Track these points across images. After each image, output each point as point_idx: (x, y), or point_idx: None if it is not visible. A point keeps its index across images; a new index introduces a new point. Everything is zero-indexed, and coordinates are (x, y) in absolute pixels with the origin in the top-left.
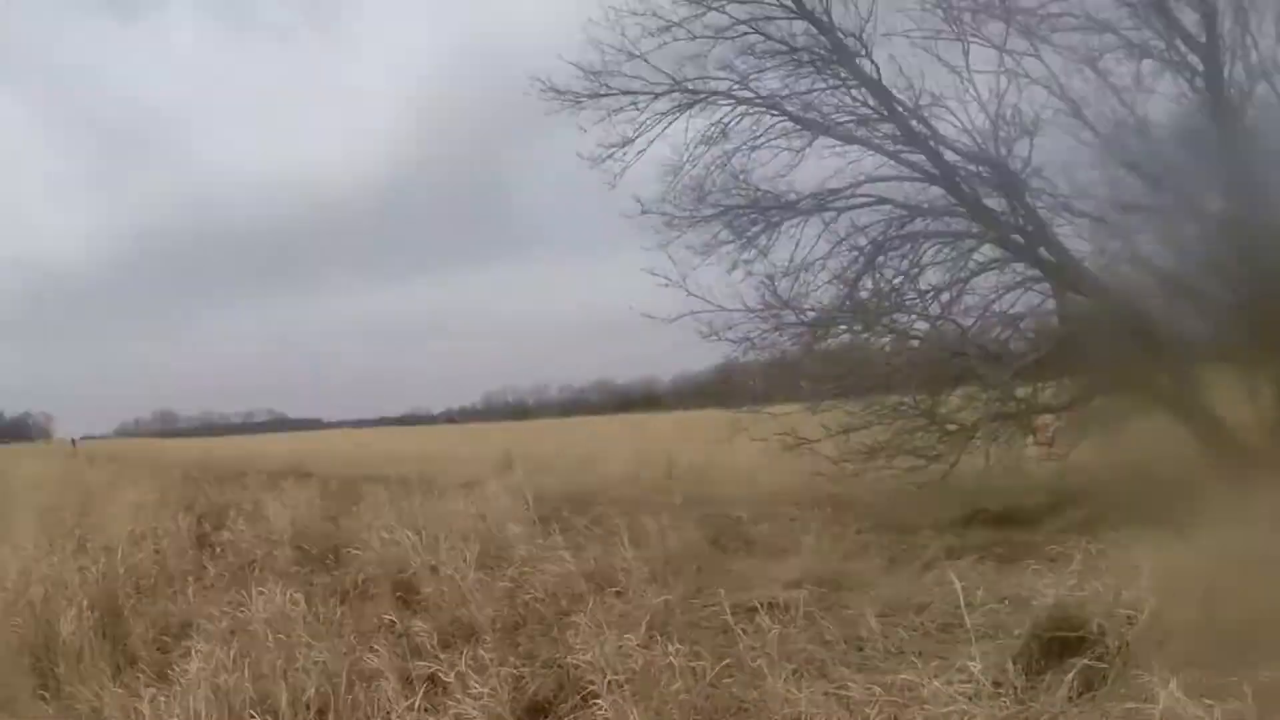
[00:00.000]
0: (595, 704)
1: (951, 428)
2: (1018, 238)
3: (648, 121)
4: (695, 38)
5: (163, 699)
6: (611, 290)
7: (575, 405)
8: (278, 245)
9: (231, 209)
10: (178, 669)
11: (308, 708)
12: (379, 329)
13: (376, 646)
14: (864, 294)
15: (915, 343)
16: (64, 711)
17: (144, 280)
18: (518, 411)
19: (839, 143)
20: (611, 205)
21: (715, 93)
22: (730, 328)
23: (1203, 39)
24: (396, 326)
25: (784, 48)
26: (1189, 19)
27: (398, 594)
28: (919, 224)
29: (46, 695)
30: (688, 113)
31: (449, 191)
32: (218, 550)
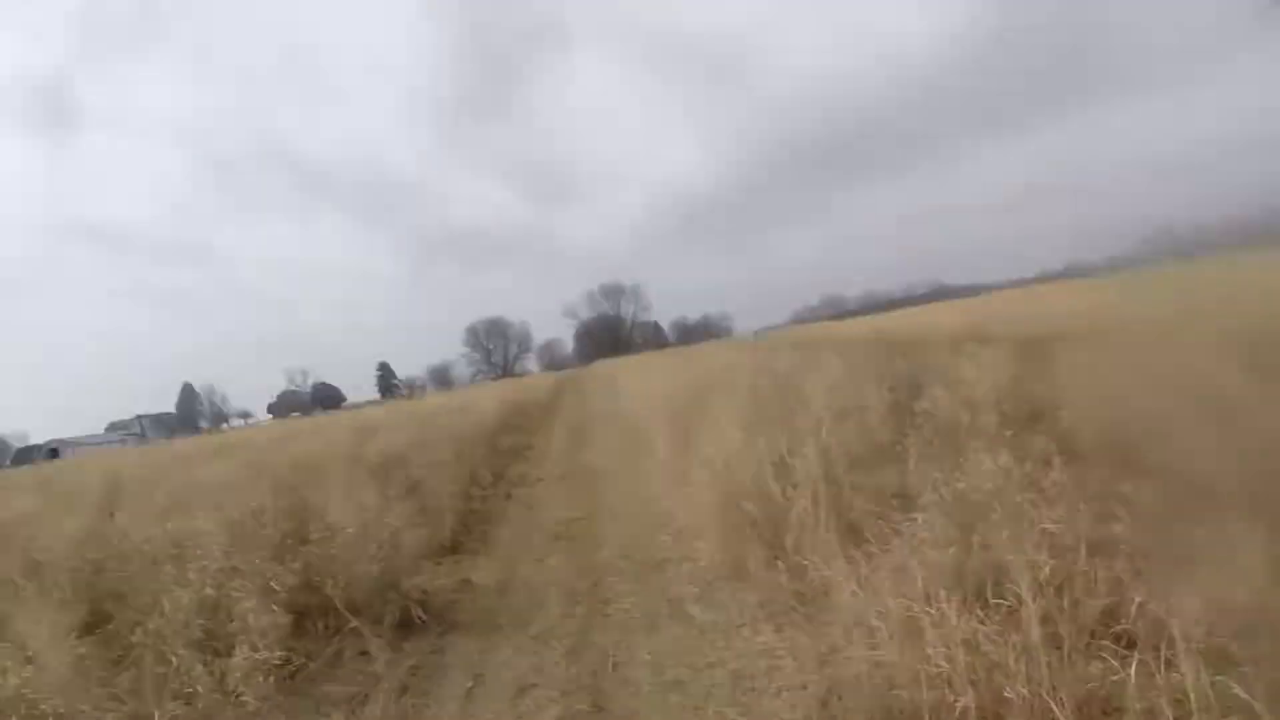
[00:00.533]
0: None
1: None
2: None
3: None
4: None
5: (885, 568)
6: None
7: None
8: (885, 123)
9: (833, 102)
10: (904, 537)
11: (1045, 584)
12: (1008, 186)
13: (1118, 513)
14: None
15: None
16: (796, 578)
17: (783, 180)
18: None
19: None
20: None
21: None
22: None
23: None
24: (1026, 180)
25: None
26: None
27: (1114, 456)
28: None
29: (778, 565)
30: None
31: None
32: (917, 419)
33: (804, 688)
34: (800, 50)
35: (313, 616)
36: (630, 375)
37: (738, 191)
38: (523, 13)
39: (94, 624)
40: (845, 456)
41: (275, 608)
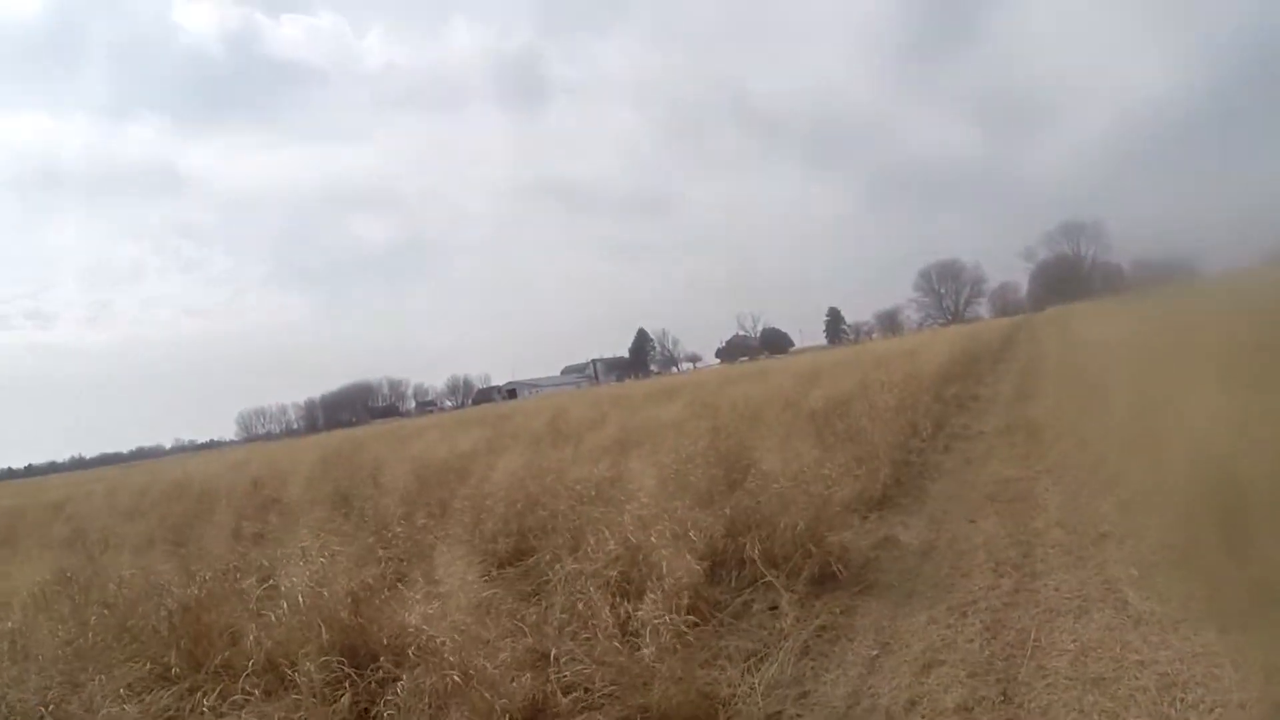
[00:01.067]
0: None
1: None
2: None
3: None
4: None
5: None
6: None
7: None
8: None
9: None
10: None
11: None
12: None
13: None
14: None
15: None
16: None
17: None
18: None
19: None
20: None
21: None
22: None
23: None
24: None
25: None
26: None
27: None
28: None
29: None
30: None
31: None
32: None
33: (1242, 707)
34: None
35: (728, 566)
36: (1087, 323)
37: (1210, 112)
38: None
39: (516, 557)
40: None
41: (690, 556)
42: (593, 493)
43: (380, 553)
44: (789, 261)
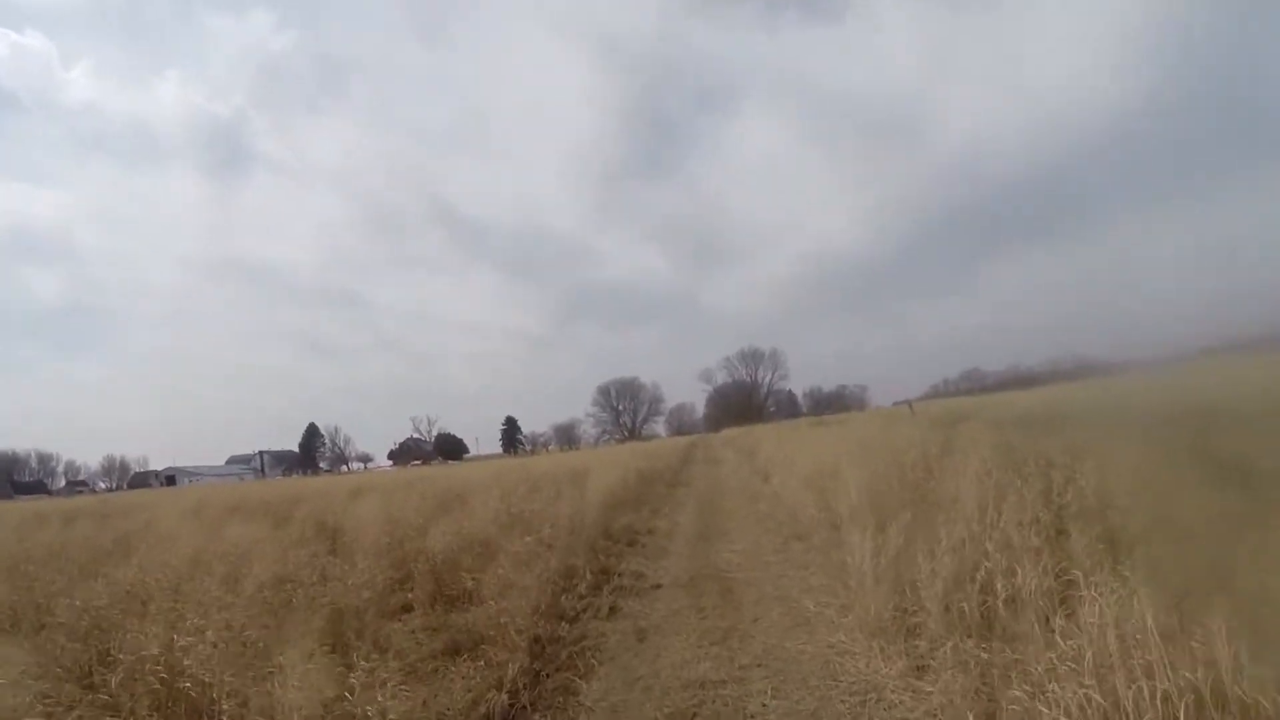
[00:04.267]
0: None
1: None
2: None
3: None
4: None
5: None
6: None
7: None
8: (1038, 194)
9: (980, 172)
10: None
11: None
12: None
13: None
14: None
15: None
16: None
17: (923, 253)
18: None
19: None
20: None
21: None
22: None
23: None
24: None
25: None
26: None
27: None
28: None
29: None
30: None
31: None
32: None
33: None
34: (958, 114)
35: None
36: (768, 443)
37: (881, 261)
38: (692, 77)
39: None
40: None
41: None
42: None
43: None
44: (474, 370)
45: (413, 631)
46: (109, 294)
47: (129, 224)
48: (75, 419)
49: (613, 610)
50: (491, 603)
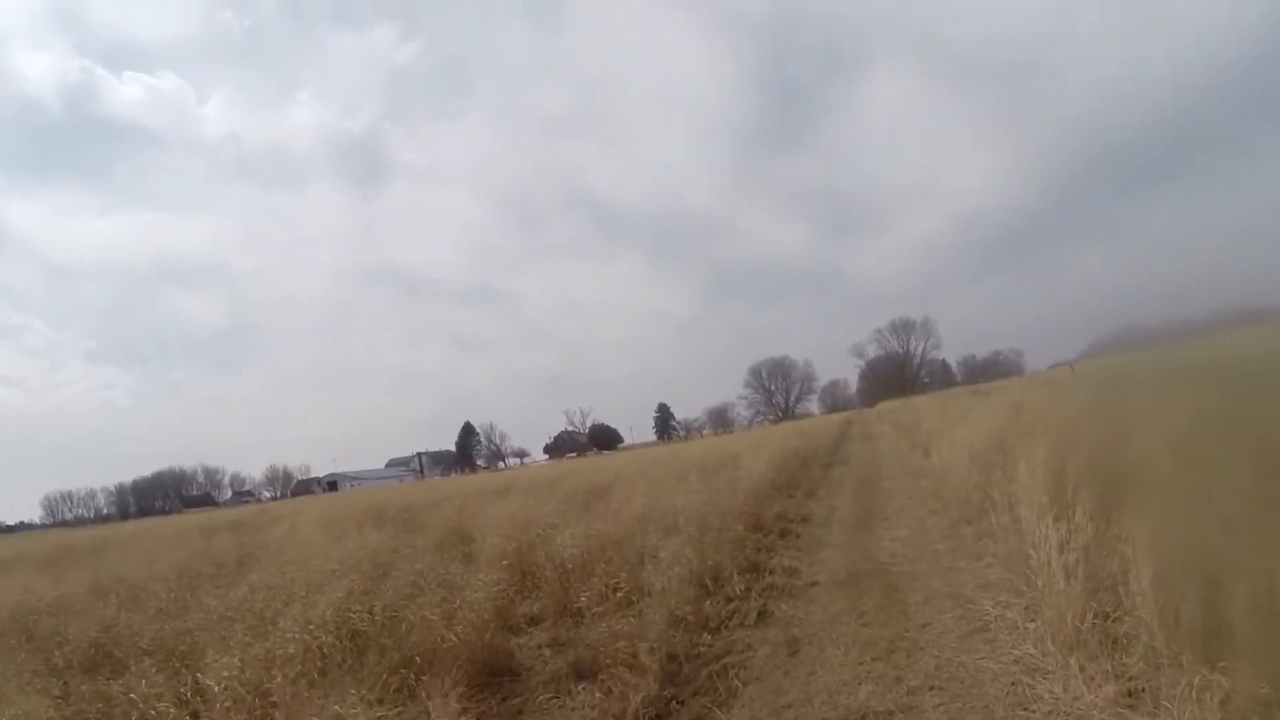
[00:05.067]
0: None
1: None
2: None
3: None
4: None
5: None
6: None
7: None
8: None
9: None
10: None
11: None
12: None
13: None
14: None
15: None
16: None
17: (1073, 201)
18: None
19: None
20: None
21: None
22: None
23: None
24: None
25: None
26: None
27: None
28: None
29: None
30: None
31: None
32: None
33: None
34: (1096, 57)
35: None
36: (926, 415)
37: (1031, 216)
38: (817, 38)
39: None
40: None
41: None
42: None
43: None
44: (624, 356)
45: (539, 647)
46: (264, 311)
47: (277, 243)
48: (239, 434)
49: (761, 615)
50: (617, 617)
